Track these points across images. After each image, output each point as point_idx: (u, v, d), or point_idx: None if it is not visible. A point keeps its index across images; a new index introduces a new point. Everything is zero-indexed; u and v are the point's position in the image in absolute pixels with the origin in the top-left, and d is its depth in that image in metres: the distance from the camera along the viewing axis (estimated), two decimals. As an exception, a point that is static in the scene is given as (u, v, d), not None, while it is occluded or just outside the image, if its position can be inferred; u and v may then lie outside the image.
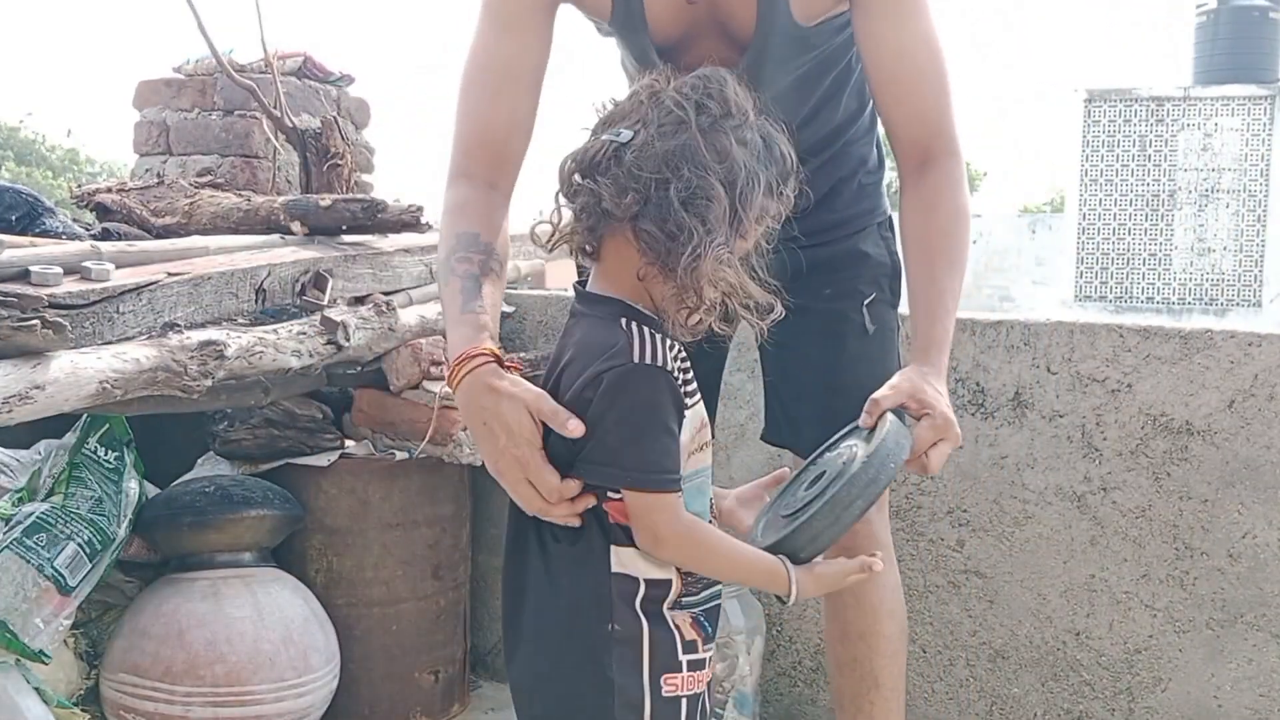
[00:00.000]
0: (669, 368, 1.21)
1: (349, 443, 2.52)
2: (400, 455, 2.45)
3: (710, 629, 1.28)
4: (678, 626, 1.24)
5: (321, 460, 2.43)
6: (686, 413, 1.23)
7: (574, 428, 1.20)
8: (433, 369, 2.42)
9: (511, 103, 1.50)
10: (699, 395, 1.28)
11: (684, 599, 1.25)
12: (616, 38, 1.60)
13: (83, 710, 2.25)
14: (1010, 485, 2.26)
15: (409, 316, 2.47)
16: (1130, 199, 15.63)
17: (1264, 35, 15.82)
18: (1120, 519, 2.18)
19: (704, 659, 1.26)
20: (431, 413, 2.40)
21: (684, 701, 1.24)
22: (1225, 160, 15.26)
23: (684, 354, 1.25)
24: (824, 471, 1.32)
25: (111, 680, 2.22)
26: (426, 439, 2.36)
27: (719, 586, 1.29)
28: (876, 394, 1.36)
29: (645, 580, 1.23)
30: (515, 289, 2.84)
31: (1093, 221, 15.78)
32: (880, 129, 1.74)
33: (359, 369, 2.43)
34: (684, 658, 1.24)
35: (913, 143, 1.54)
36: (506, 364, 1.30)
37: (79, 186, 2.94)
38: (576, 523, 1.23)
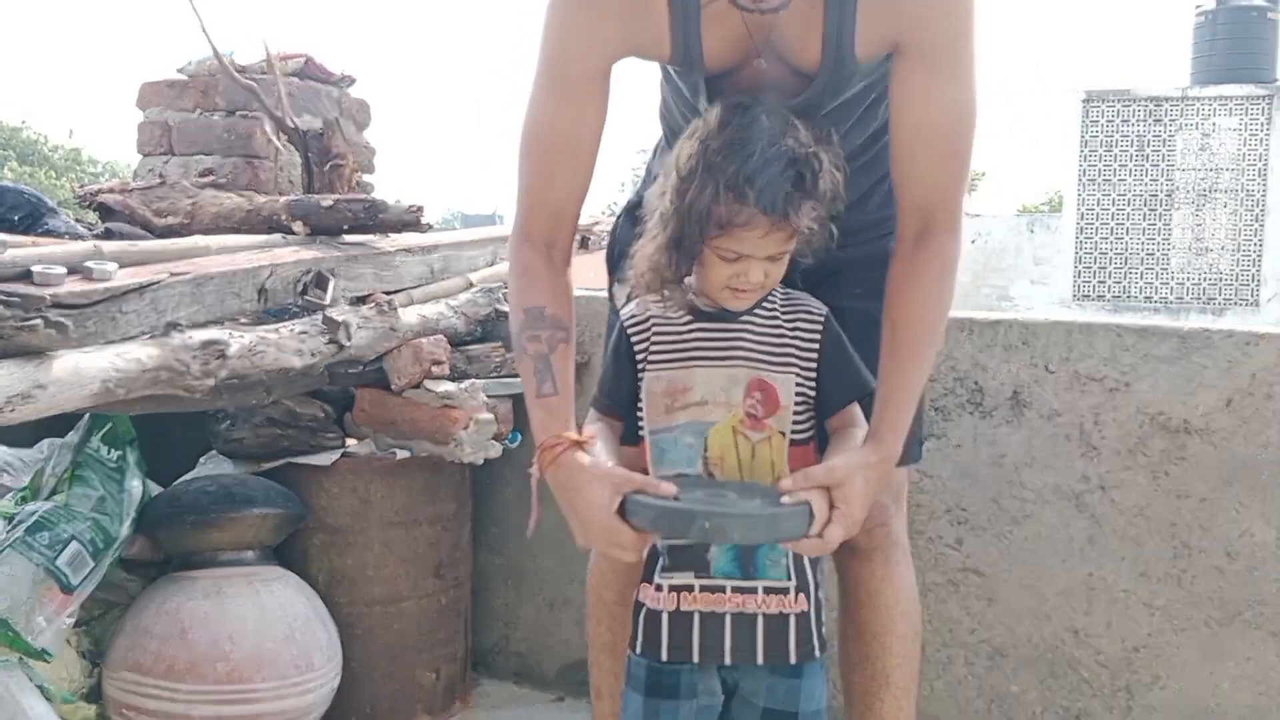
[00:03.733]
0: (625, 319, 1.60)
1: (351, 442, 2.53)
2: (401, 454, 2.46)
3: (668, 561, 1.53)
4: (645, 553, 1.52)
5: (323, 459, 2.44)
6: (650, 371, 1.55)
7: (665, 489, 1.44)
8: (433, 368, 2.43)
9: (569, 172, 1.61)
10: (671, 363, 1.54)
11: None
12: (672, 77, 1.64)
13: (87, 705, 2.25)
14: (1009, 484, 2.27)
15: (410, 316, 2.48)
16: (1128, 199, 15.62)
17: (1262, 35, 15.81)
18: (1118, 518, 2.19)
19: (659, 584, 1.53)
20: (432, 412, 2.42)
21: (643, 610, 1.56)
22: (1223, 160, 15.25)
23: (637, 318, 1.59)
24: (727, 494, 1.45)
25: (114, 678, 2.23)
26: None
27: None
28: (809, 471, 1.44)
29: None
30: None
31: (1091, 221, 15.77)
32: None
33: (360, 368, 2.43)
34: (642, 578, 1.57)
35: (916, 207, 1.57)
36: (582, 441, 1.50)
37: (82, 186, 2.94)
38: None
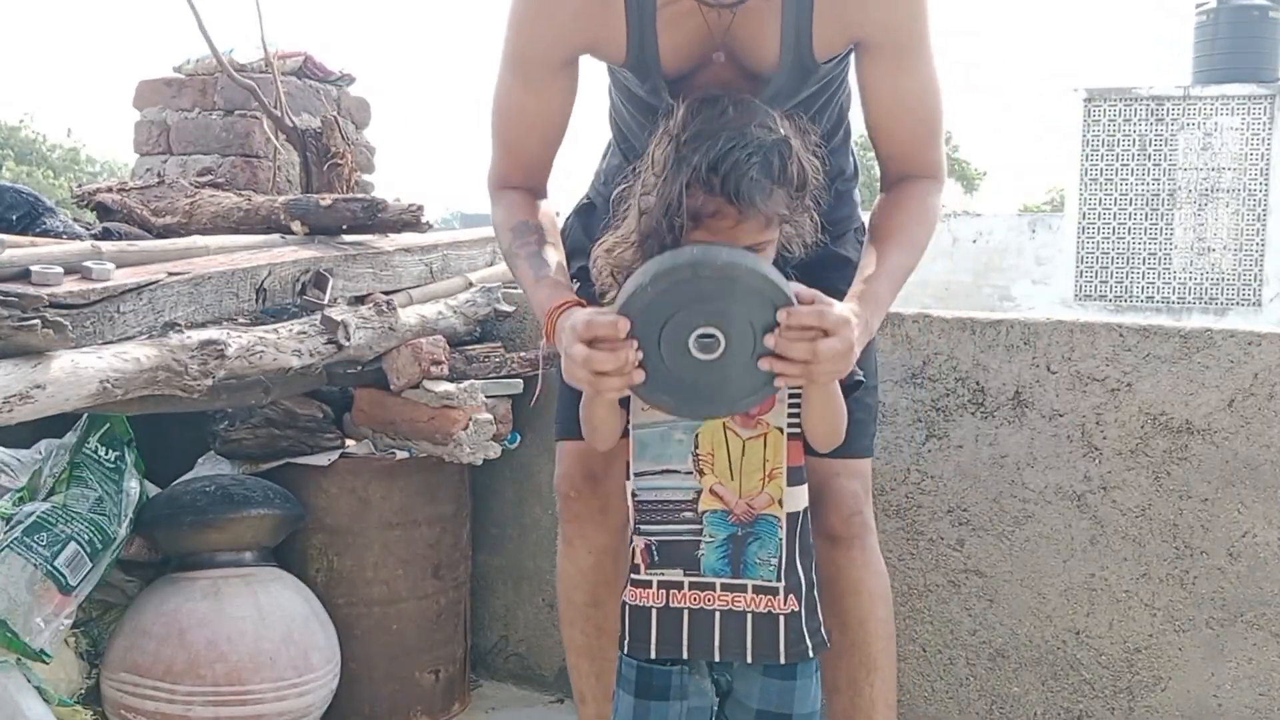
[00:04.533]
0: None
1: (349, 442, 2.52)
2: (400, 455, 2.45)
3: (657, 558, 1.52)
4: (632, 550, 1.53)
5: (322, 460, 2.44)
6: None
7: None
8: (432, 368, 2.43)
9: (539, 142, 1.70)
10: None
11: (640, 526, 1.52)
12: (625, 78, 1.66)
13: (84, 708, 2.25)
14: (1010, 484, 2.26)
15: (409, 316, 2.47)
16: (1130, 198, 15.62)
17: (1264, 35, 15.80)
18: (1120, 518, 2.18)
19: (648, 580, 1.52)
20: (431, 412, 2.41)
21: (628, 609, 1.54)
22: (1225, 160, 15.25)
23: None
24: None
25: (112, 679, 2.23)
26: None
27: (675, 527, 1.51)
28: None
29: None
30: (515, 289, 2.84)
31: (1092, 221, 15.77)
32: (854, 138, 1.86)
33: (359, 368, 2.43)
34: (630, 575, 1.54)
35: (898, 172, 1.69)
36: (582, 301, 1.54)
37: (79, 186, 2.94)
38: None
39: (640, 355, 1.38)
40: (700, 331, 1.37)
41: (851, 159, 1.85)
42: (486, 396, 2.47)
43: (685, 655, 1.52)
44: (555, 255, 1.64)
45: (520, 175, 1.71)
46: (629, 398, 1.51)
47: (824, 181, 1.52)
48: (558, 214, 1.79)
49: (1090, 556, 2.20)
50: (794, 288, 1.40)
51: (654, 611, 1.52)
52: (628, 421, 1.56)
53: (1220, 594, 2.12)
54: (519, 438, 2.65)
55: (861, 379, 1.59)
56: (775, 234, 1.47)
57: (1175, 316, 14.51)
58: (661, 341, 1.38)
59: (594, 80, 1.73)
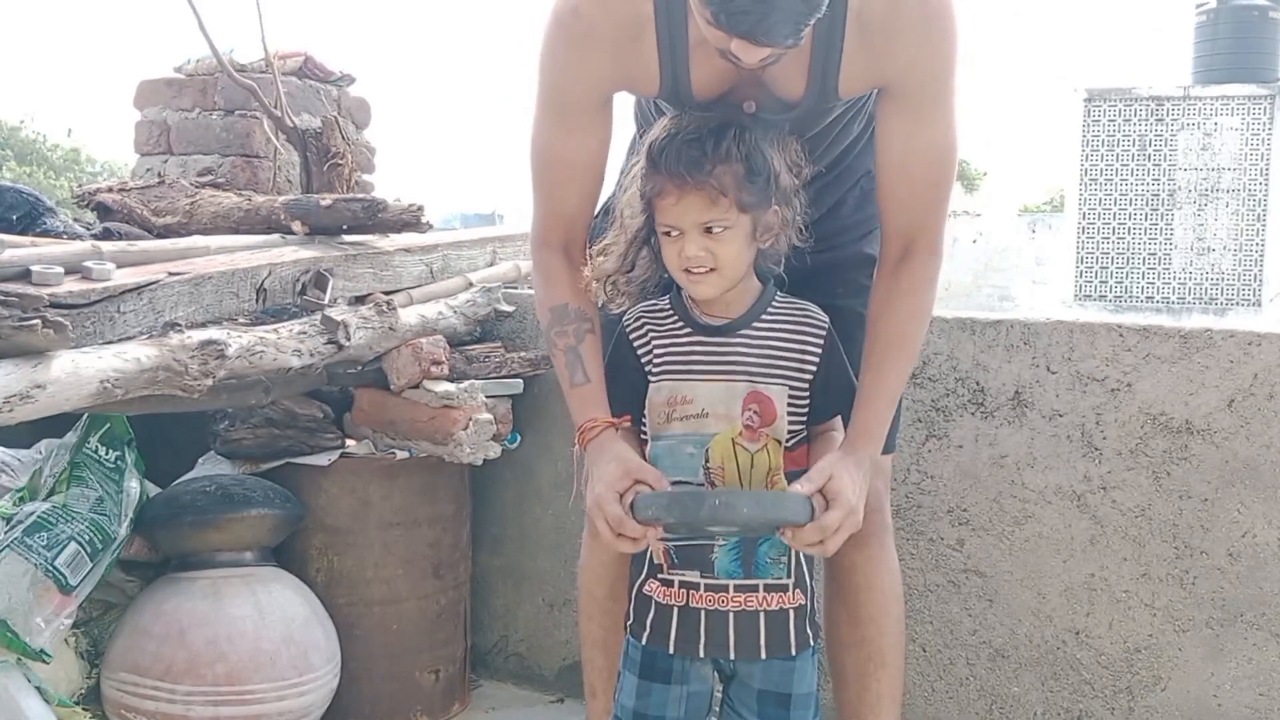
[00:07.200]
0: (626, 324, 1.67)
1: (349, 442, 2.52)
2: (400, 454, 2.45)
3: (676, 560, 1.58)
4: (651, 552, 1.60)
5: (322, 459, 2.43)
6: (652, 381, 1.60)
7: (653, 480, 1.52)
8: (432, 369, 2.43)
9: (577, 188, 1.71)
10: (672, 375, 1.60)
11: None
12: (658, 102, 1.70)
13: (84, 709, 2.25)
14: (1010, 484, 2.26)
15: (409, 316, 2.47)
16: (1130, 198, 15.61)
17: (1264, 35, 15.79)
18: (1120, 518, 2.18)
19: (670, 579, 1.58)
20: (431, 412, 2.41)
21: (653, 604, 1.60)
22: (1225, 160, 15.24)
23: (633, 324, 1.66)
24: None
25: (112, 679, 2.23)
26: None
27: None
28: (795, 484, 1.51)
29: None
30: (515, 289, 2.84)
31: (1092, 221, 15.76)
32: None
33: (359, 368, 2.43)
34: (650, 574, 1.61)
35: (898, 232, 1.67)
36: (615, 422, 1.59)
37: (80, 186, 2.94)
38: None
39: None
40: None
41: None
42: (486, 396, 2.46)
43: (702, 654, 1.58)
44: (591, 350, 1.66)
45: (560, 230, 1.72)
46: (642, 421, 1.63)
47: (797, 184, 1.58)
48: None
49: (1090, 556, 2.21)
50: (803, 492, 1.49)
51: (675, 610, 1.58)
52: (644, 430, 1.64)
53: (1220, 594, 2.12)
54: (519, 438, 2.65)
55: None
56: (734, 216, 1.52)
57: (1175, 316, 14.49)
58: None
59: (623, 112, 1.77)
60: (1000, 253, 17.06)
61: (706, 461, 1.56)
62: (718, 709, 1.67)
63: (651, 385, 1.62)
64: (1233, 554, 2.11)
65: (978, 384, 2.28)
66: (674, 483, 1.54)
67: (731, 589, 1.56)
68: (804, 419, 1.62)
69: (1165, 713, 2.17)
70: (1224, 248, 15.32)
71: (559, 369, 1.68)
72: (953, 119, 1.62)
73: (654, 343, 1.63)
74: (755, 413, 1.56)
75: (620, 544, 1.50)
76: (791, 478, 1.54)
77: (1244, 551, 2.10)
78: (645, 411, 1.62)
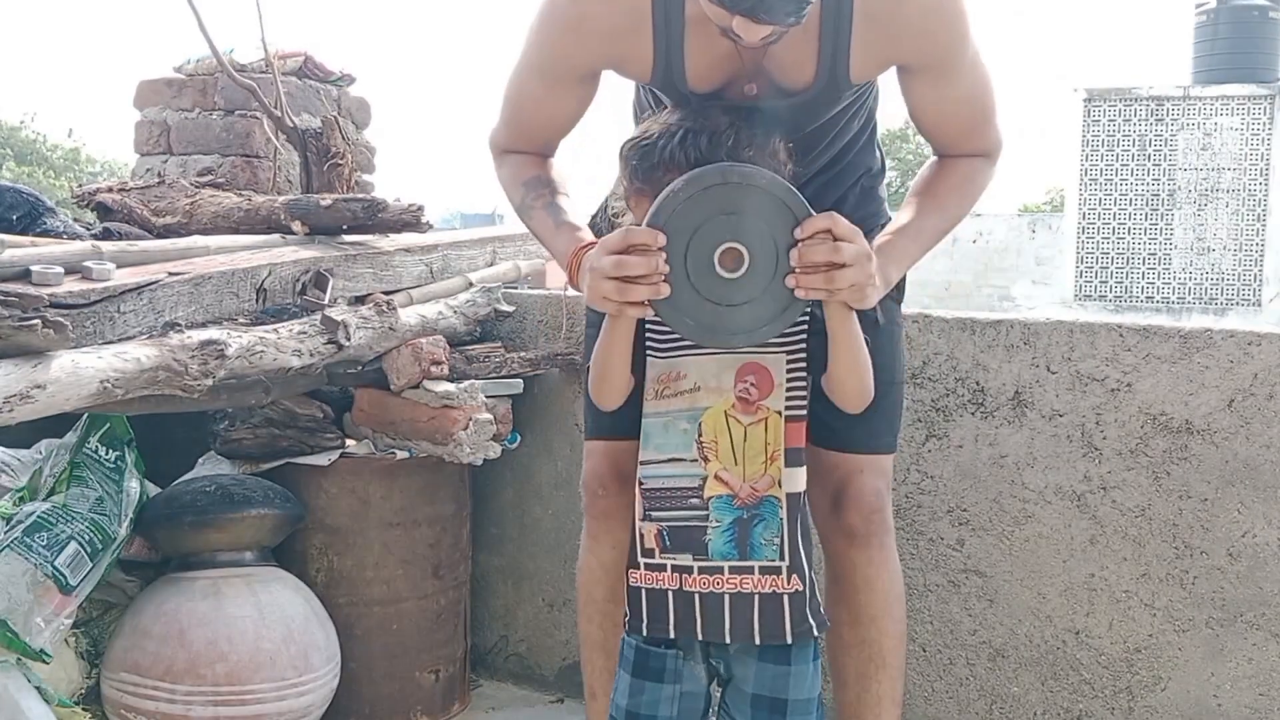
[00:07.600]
0: None
1: (349, 442, 2.52)
2: (400, 454, 2.45)
3: (669, 543, 1.55)
4: (642, 535, 1.55)
5: (322, 459, 2.44)
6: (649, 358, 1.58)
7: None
8: (432, 368, 2.43)
9: (553, 129, 1.71)
10: (663, 351, 1.57)
11: (650, 513, 1.55)
12: (653, 90, 1.69)
13: (84, 709, 2.25)
14: (1010, 484, 2.26)
15: (409, 316, 2.47)
16: (1130, 198, 15.61)
17: (1264, 35, 15.79)
18: (1120, 518, 2.18)
19: (662, 564, 1.55)
20: (431, 412, 2.41)
21: (643, 592, 1.57)
22: (1225, 160, 15.24)
23: None
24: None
25: (112, 679, 2.23)
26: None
27: (683, 513, 1.54)
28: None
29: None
30: (515, 289, 2.84)
31: (1092, 221, 15.76)
32: (880, 134, 1.87)
33: (359, 368, 2.43)
34: (641, 560, 1.56)
35: (949, 153, 1.71)
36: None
37: (80, 186, 2.94)
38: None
39: (668, 269, 1.41)
40: (725, 247, 1.42)
41: (878, 155, 1.86)
42: (486, 396, 2.47)
43: (700, 637, 1.56)
44: (571, 203, 1.66)
45: (524, 146, 1.73)
46: (642, 364, 1.58)
47: (843, 190, 1.59)
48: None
49: (1090, 556, 2.21)
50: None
51: (669, 594, 1.56)
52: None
53: (1220, 594, 2.12)
54: (519, 438, 2.65)
55: (880, 320, 1.67)
56: None
57: (1175, 316, 14.50)
58: (688, 257, 1.42)
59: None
60: (1000, 253, 17.07)
61: (700, 436, 1.54)
62: (714, 717, 1.65)
63: (647, 363, 1.60)
64: (1233, 554, 2.11)
65: (978, 384, 2.28)
66: (669, 459, 1.53)
67: (726, 571, 1.54)
68: (804, 391, 1.57)
69: (1165, 713, 2.17)
70: (1224, 248, 15.32)
71: (538, 223, 1.66)
72: (978, 65, 1.62)
73: (647, 321, 1.61)
74: (752, 384, 1.54)
75: (630, 293, 1.42)
76: (792, 456, 1.52)
77: (1244, 551, 2.10)
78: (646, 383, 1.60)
